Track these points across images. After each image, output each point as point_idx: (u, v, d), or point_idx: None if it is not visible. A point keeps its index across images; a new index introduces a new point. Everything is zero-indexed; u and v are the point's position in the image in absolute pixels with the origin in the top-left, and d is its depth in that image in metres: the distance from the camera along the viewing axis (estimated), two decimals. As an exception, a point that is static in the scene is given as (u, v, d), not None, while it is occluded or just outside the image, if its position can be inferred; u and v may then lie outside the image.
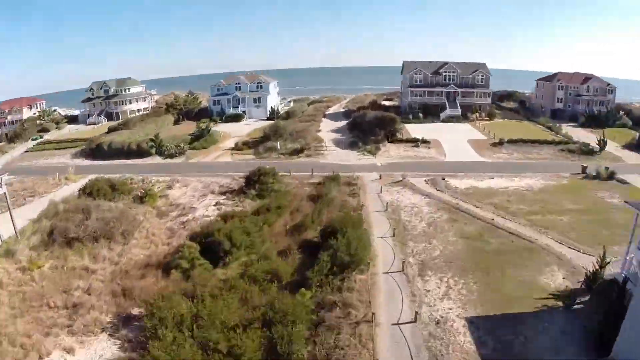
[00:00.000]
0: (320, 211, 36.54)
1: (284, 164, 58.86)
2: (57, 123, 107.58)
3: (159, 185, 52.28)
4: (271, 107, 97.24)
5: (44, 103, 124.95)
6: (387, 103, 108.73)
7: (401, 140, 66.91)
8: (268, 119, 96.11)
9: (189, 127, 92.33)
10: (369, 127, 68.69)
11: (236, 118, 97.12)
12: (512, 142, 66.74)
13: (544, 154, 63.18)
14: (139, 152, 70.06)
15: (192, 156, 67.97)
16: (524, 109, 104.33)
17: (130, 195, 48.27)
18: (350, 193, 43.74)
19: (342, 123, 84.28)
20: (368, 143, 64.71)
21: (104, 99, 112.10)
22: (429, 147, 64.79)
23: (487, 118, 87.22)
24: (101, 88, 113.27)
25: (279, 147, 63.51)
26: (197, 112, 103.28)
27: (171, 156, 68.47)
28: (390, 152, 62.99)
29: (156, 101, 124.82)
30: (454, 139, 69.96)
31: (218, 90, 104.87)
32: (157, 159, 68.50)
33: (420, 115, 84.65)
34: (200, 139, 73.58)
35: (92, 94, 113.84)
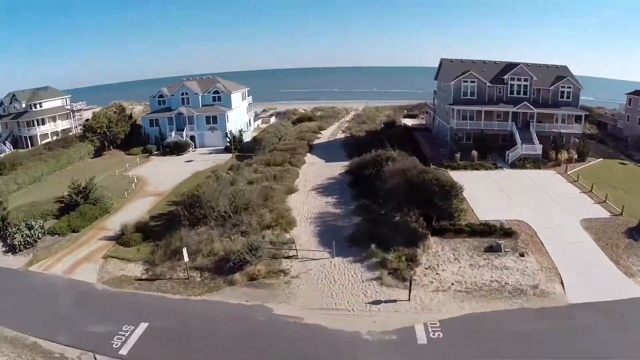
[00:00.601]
0: None
1: (184, 315, 24.34)
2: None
3: None
4: (229, 132, 62.26)
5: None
6: (409, 122, 73.60)
7: (459, 231, 31.90)
8: (226, 149, 61.68)
9: (117, 161, 60.33)
10: (393, 198, 33.87)
11: (179, 148, 62.68)
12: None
13: None
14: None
15: (43, 254, 34.18)
16: (607, 135, 68.79)
17: None
18: None
19: (338, 168, 49.44)
20: (392, 242, 29.88)
21: (13, 117, 77.91)
22: (518, 254, 29.93)
23: (576, 157, 51.99)
24: (11, 102, 79.14)
25: (187, 257, 28.58)
26: (127, 137, 68.84)
27: (14, 249, 34.96)
28: (443, 273, 28.08)
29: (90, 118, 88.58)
30: (553, 217, 35.43)
31: (159, 102, 70.49)
32: (-6, 251, 35.30)
33: (475, 153, 49.56)
34: (73, 211, 39.23)
35: (3, 111, 79.75)
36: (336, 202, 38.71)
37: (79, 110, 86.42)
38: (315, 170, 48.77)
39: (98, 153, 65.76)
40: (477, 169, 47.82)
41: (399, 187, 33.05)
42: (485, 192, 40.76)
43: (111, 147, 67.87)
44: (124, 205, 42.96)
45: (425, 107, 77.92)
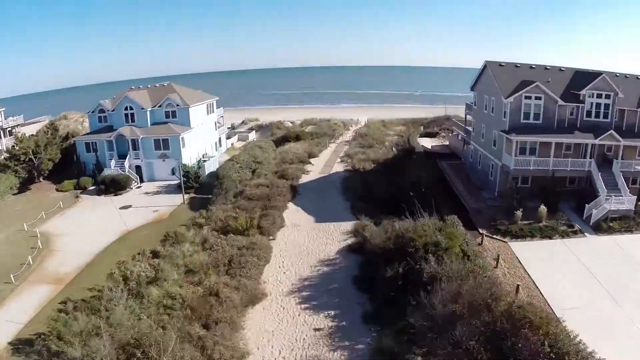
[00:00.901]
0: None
1: None
2: None
3: None
4: (179, 166, 44.97)
5: None
6: (428, 143, 56.42)
7: None
8: (179, 186, 44.28)
9: (36, 203, 43.49)
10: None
11: (116, 185, 45.45)
12: None
13: None
14: None
15: None
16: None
17: None
18: None
19: (336, 235, 32.21)
20: None
21: None
22: None
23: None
24: None
25: None
26: (61, 164, 51.52)
27: None
28: None
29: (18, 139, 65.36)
30: None
31: (99, 119, 53.22)
32: None
33: (543, 210, 32.76)
34: None
35: None
36: (335, 328, 21.67)
37: (14, 127, 68.01)
38: (300, 243, 30.96)
39: (24, 186, 48.63)
40: (549, 237, 31.25)
41: (467, 340, 16.20)
42: (578, 294, 24.30)
43: (40, 179, 50.82)
44: (2, 301, 26.14)
45: (445, 122, 61.04)
